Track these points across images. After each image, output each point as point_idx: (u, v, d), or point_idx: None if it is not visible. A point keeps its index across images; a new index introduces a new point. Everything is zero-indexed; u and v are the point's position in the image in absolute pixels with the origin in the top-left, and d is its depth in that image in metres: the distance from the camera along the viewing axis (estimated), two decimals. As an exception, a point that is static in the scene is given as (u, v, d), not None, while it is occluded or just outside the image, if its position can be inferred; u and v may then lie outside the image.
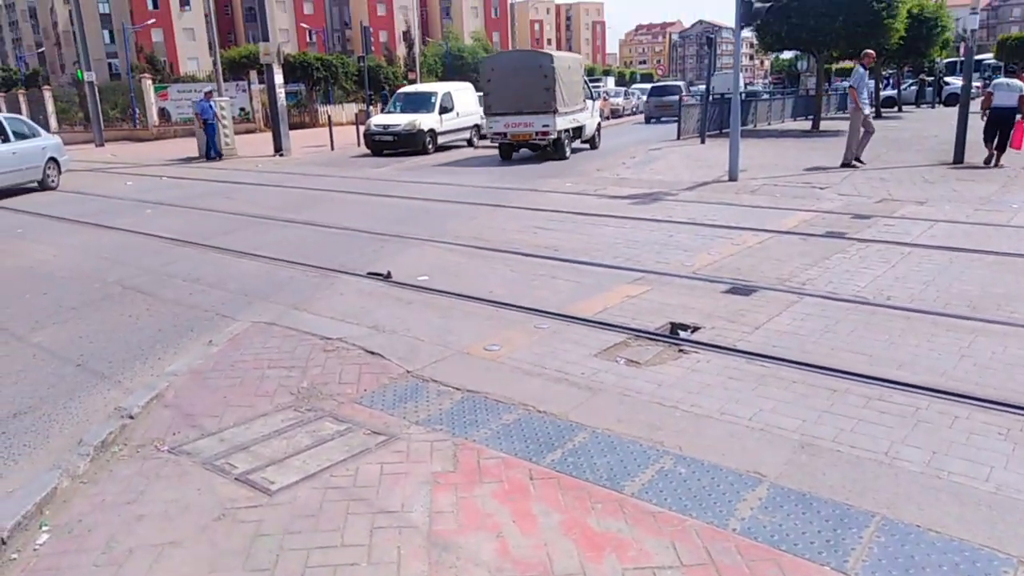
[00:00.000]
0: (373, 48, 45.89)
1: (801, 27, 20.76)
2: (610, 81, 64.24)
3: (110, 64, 75.26)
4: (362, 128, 22.09)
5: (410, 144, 20.02)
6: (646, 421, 3.74)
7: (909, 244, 7.36)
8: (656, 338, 4.94)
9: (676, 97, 25.85)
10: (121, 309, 6.21)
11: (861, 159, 13.49)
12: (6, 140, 13.98)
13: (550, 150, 17.43)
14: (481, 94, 18.99)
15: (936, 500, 2.98)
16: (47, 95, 38.61)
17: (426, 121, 20.40)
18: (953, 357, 4.43)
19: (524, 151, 18.11)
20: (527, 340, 4.98)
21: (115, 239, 9.56)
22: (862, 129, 13.54)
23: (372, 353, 4.80)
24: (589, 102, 19.40)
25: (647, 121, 32.94)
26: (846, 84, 45.29)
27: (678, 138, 21.22)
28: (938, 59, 32.61)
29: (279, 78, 21.50)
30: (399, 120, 20.45)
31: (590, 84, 20.42)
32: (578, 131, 18.71)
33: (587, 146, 19.98)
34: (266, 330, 5.36)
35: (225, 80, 31.10)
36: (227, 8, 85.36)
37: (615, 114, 38.05)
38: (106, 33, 78.37)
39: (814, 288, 5.96)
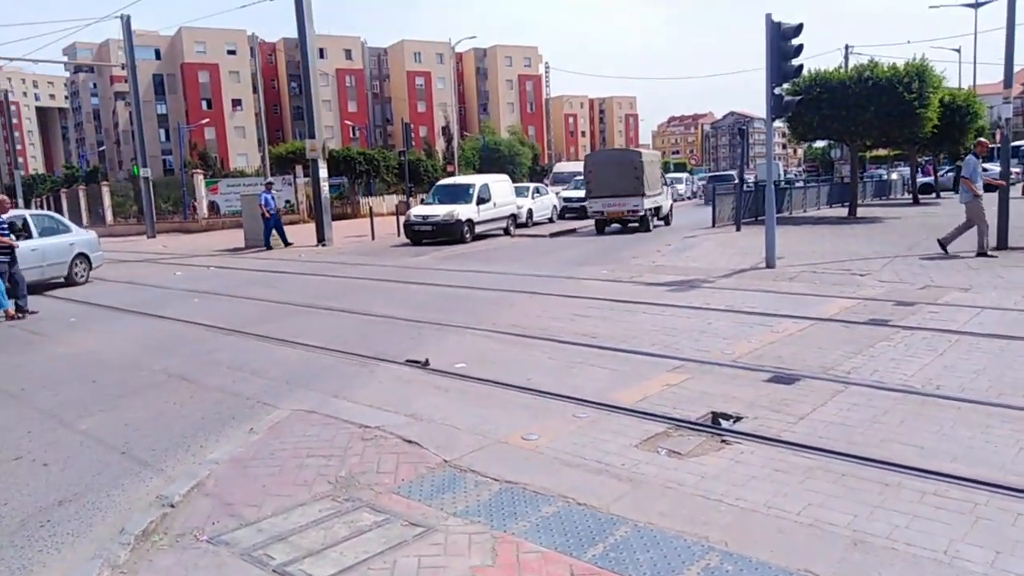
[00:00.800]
0: (413, 142, 47.67)
1: (833, 118, 21.08)
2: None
3: (164, 160, 79.33)
4: (402, 219, 22.70)
5: (448, 234, 20.49)
6: (690, 515, 3.63)
7: (956, 332, 7.19)
8: (698, 428, 4.85)
9: (731, 184, 29.33)
10: (166, 396, 6.32)
11: (947, 248, 12.71)
12: (29, 237, 13.69)
13: (636, 225, 21.66)
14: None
15: (1003, 604, 2.81)
16: (104, 190, 40.71)
17: (464, 212, 20.92)
18: (1011, 450, 4.25)
19: (615, 226, 22.45)
20: (566, 429, 4.92)
21: (163, 327, 9.82)
22: (968, 218, 12.82)
23: (410, 442, 4.79)
24: (665, 188, 24.55)
25: (706, 203, 36.19)
26: (880, 172, 45.33)
27: (713, 225, 21.37)
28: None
29: (323, 172, 22.38)
30: (437, 211, 21.01)
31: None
32: (657, 210, 23.11)
33: (663, 222, 23.89)
34: (306, 418, 5.40)
35: (272, 174, 32.47)
36: (276, 107, 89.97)
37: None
38: (162, 132, 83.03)
39: (859, 377, 5.83)
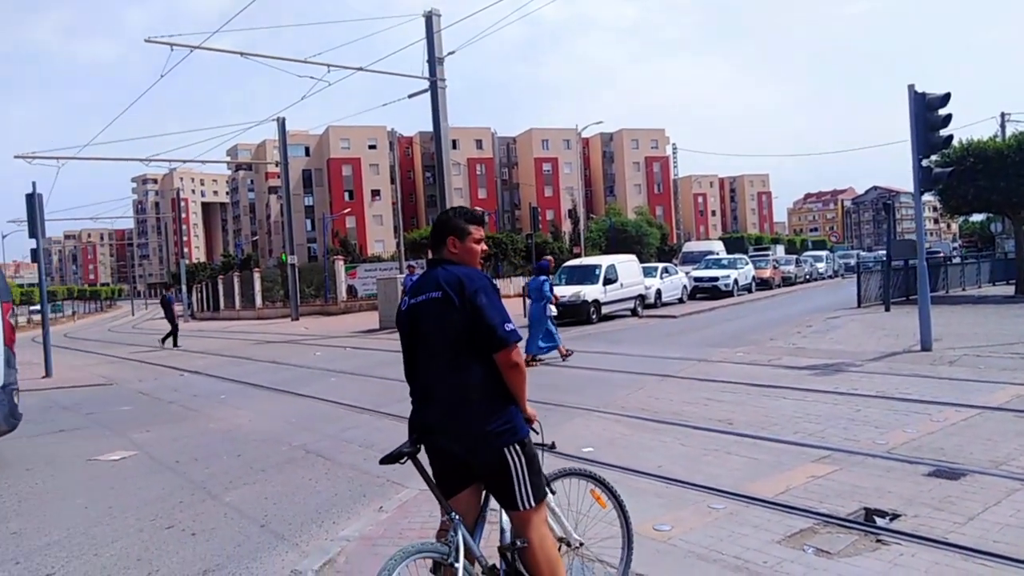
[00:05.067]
0: (540, 226, 48.78)
1: (991, 189, 19.62)
2: (780, 249, 62.82)
3: (309, 248, 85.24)
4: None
5: (575, 314, 20.49)
6: (845, 624, 3.27)
7: None
8: (849, 525, 4.42)
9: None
10: (303, 472, 6.55)
11: None
12: None
13: None
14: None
15: None
16: (256, 276, 44.19)
17: (590, 292, 20.93)
18: None
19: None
20: (700, 521, 4.64)
21: (302, 405, 10.29)
22: None
23: (537, 527, 4.65)
24: None
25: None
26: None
27: (859, 305, 20.16)
28: None
29: (455, 256, 23.19)
30: (564, 292, 21.03)
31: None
32: None
33: None
34: (433, 498, 5.38)
35: (406, 259, 34.12)
36: (411, 196, 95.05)
37: (787, 282, 37.06)
38: (308, 222, 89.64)
39: (1040, 474, 5.16)
